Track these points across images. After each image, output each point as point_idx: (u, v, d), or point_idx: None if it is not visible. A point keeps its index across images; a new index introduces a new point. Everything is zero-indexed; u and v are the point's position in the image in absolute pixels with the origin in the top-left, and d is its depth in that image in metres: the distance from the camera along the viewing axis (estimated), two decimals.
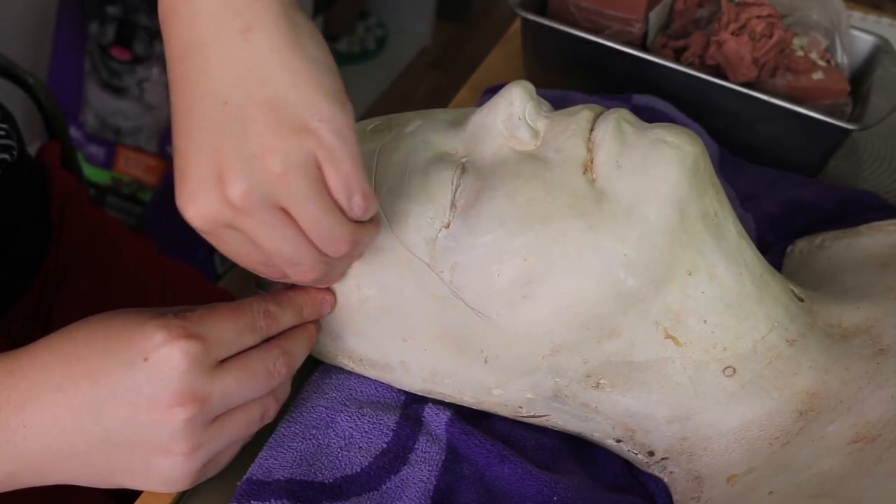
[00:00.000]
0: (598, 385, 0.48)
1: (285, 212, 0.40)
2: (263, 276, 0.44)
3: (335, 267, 0.44)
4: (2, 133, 0.67)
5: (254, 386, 0.44)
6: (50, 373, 0.43)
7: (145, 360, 0.41)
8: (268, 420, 0.46)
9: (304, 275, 0.43)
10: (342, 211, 0.41)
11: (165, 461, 0.43)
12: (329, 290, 0.48)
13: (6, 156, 0.67)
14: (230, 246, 0.42)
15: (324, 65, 0.40)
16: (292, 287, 0.48)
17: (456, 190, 0.47)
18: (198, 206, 0.39)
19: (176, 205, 0.40)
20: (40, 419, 0.42)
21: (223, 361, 0.43)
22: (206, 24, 0.39)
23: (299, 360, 0.47)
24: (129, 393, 0.42)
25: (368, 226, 0.43)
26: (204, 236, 0.41)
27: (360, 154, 0.41)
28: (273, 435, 0.49)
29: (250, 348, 0.45)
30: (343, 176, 0.40)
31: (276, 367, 0.45)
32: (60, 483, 0.45)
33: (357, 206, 0.41)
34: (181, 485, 0.44)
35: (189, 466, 0.43)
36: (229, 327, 0.44)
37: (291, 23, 0.40)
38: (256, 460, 0.48)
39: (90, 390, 0.42)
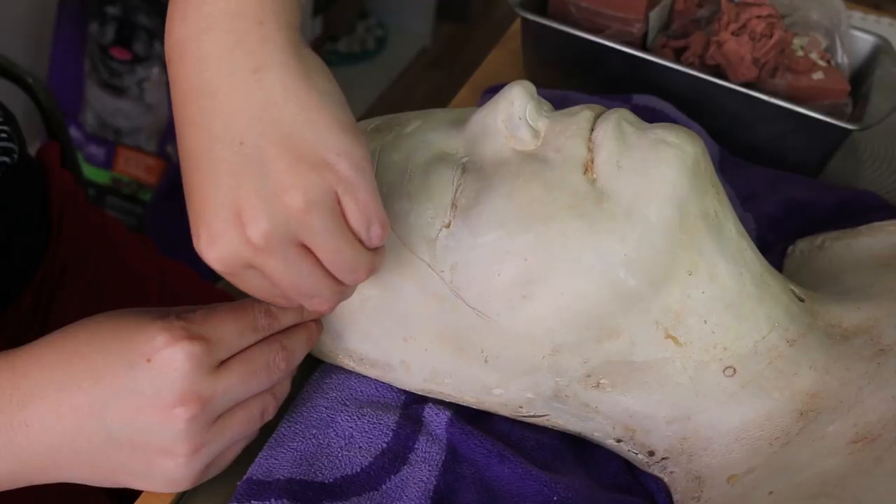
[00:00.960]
0: (598, 385, 0.48)
1: (304, 247, 0.40)
2: (280, 306, 0.45)
3: (347, 294, 0.44)
4: (3, 135, 0.67)
5: (254, 381, 0.44)
6: (52, 371, 0.43)
7: (148, 361, 0.42)
8: (267, 418, 0.47)
9: (321, 305, 0.43)
10: (359, 240, 0.41)
11: (167, 462, 0.43)
12: None
13: (7, 158, 0.67)
14: (250, 284, 0.42)
15: (335, 98, 0.40)
16: None
17: (456, 190, 0.47)
18: (218, 248, 0.39)
19: (193, 241, 0.40)
20: (42, 418, 0.42)
21: (224, 361, 0.43)
22: (217, 66, 0.39)
23: (299, 357, 0.48)
24: (132, 394, 0.42)
25: (381, 250, 0.43)
26: (224, 277, 0.41)
27: (375, 184, 0.41)
28: (273, 435, 0.49)
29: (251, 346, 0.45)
30: (362, 207, 0.40)
31: (275, 362, 0.45)
32: (62, 481, 0.45)
33: (375, 235, 0.41)
34: (183, 485, 0.44)
35: (191, 467, 0.43)
36: (231, 328, 0.44)
37: (301, 59, 0.40)
38: (256, 460, 0.48)
39: (92, 390, 0.42)
